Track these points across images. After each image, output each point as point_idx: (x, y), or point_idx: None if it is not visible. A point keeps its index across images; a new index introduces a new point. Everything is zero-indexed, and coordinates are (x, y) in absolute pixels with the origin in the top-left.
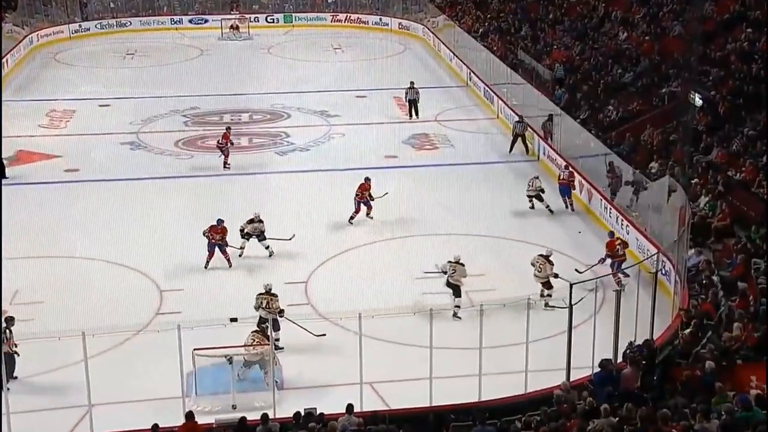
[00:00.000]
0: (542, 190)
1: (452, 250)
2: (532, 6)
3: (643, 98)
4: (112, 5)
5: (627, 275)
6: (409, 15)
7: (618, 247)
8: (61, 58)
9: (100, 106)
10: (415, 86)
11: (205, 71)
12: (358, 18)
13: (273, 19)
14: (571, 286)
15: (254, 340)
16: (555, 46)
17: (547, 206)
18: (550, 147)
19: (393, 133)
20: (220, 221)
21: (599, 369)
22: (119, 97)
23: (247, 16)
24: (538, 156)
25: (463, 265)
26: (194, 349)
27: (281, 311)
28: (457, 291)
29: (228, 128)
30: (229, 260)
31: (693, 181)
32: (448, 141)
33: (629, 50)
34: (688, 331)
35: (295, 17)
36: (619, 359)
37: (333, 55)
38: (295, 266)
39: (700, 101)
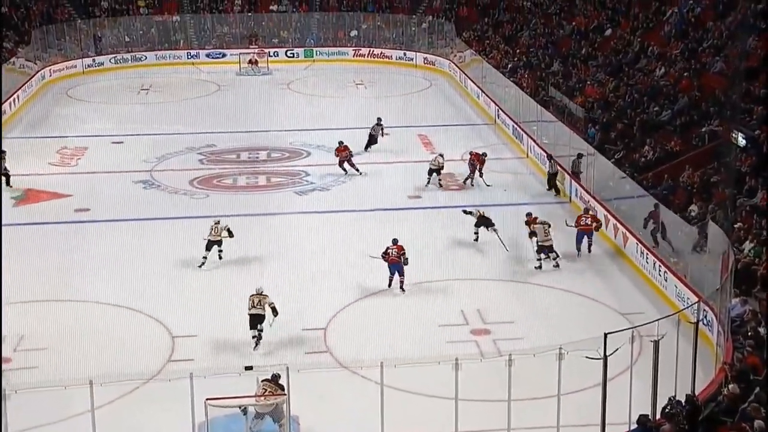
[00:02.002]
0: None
1: (478, 295)
2: (564, 41)
3: (682, 137)
4: (127, 39)
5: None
6: (434, 49)
7: (585, 218)
8: (74, 94)
9: (113, 143)
10: (381, 123)
11: (222, 107)
12: (381, 53)
13: (293, 54)
14: (605, 336)
15: (266, 390)
16: (588, 83)
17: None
18: (582, 188)
19: (417, 172)
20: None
21: (637, 426)
22: (133, 134)
23: (267, 50)
24: (570, 197)
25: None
26: (207, 399)
27: (274, 309)
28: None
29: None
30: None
31: (736, 226)
32: (475, 181)
33: (667, 87)
34: (732, 386)
35: (316, 52)
36: (658, 415)
37: (355, 91)
38: (313, 312)
39: (743, 141)
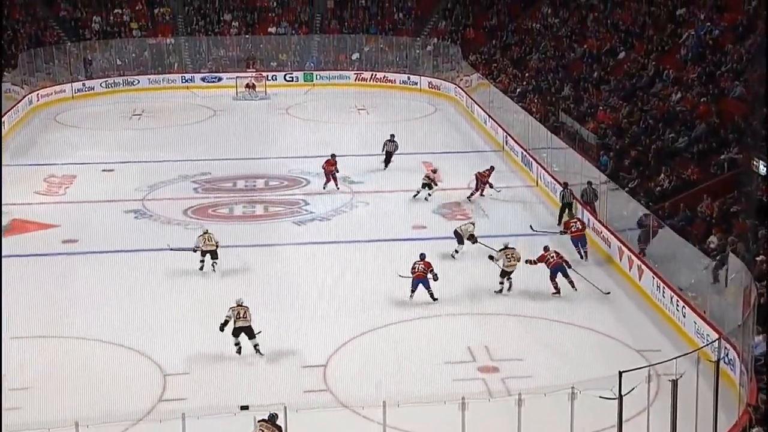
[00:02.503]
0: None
1: (486, 331)
2: (575, 64)
3: (700, 165)
4: (118, 62)
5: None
6: (440, 73)
7: (574, 223)
8: (63, 119)
9: (103, 170)
10: (394, 139)
11: (217, 133)
12: (384, 77)
13: (292, 78)
14: (620, 374)
15: (262, 431)
16: (600, 108)
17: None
18: (595, 218)
19: (422, 202)
20: None
21: None
22: (124, 161)
23: (265, 74)
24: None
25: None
26: None
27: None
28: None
29: (333, 155)
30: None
31: (758, 258)
32: (482, 210)
33: (683, 113)
34: (757, 429)
35: (316, 76)
36: None
37: (357, 116)
38: (312, 348)
39: (765, 169)
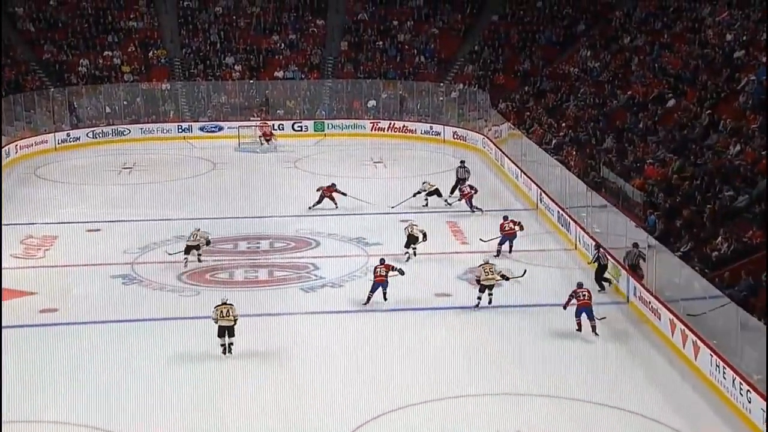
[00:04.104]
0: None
1: (518, 413)
2: (618, 113)
3: (763, 227)
4: (108, 110)
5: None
6: (465, 122)
7: (509, 224)
8: (44, 173)
9: (88, 231)
10: (465, 165)
11: (217, 189)
12: (404, 126)
13: (301, 127)
14: None
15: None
16: (647, 162)
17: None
18: (642, 286)
19: (446, 266)
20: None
21: None
22: (112, 220)
23: (270, 122)
24: (628, 297)
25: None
26: None
27: (236, 319)
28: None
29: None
30: None
31: None
32: (513, 276)
33: (743, 167)
34: None
35: (328, 125)
36: None
37: (373, 170)
38: None
39: None
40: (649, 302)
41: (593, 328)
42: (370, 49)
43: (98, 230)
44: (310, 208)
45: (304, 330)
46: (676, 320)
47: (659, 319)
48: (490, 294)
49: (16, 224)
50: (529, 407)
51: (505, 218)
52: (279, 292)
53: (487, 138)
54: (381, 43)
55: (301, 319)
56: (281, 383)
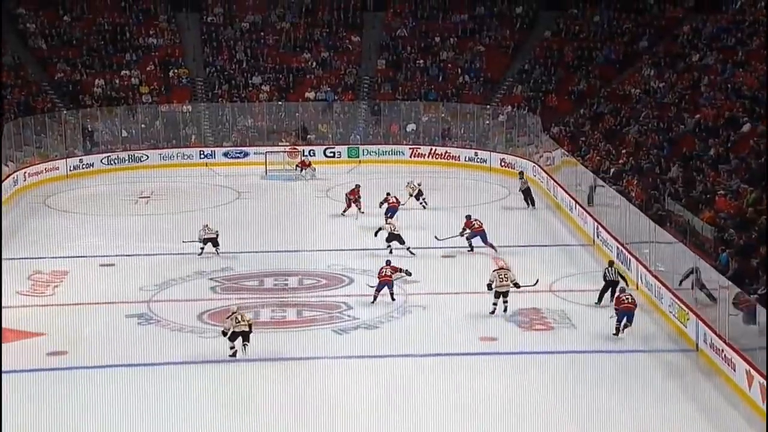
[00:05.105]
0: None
1: None
2: (686, 138)
3: None
4: (124, 134)
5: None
6: (514, 149)
7: (474, 222)
8: (54, 203)
9: (102, 265)
10: (524, 176)
11: (242, 220)
12: (446, 152)
13: (333, 153)
14: None
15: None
16: (719, 193)
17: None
18: (714, 332)
19: (491, 308)
20: None
21: None
22: (127, 254)
23: (300, 148)
24: (697, 344)
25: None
26: None
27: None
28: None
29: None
30: None
31: None
32: (568, 319)
33: None
34: None
35: (363, 151)
36: None
37: (412, 200)
38: None
39: None
40: (722, 350)
41: (622, 329)
42: (409, 68)
43: (112, 265)
44: (343, 213)
45: (335, 376)
46: (753, 372)
47: (734, 370)
48: (505, 302)
49: (24, 258)
50: None
51: (468, 217)
52: (308, 333)
53: (538, 166)
54: (422, 61)
55: (332, 364)
56: None
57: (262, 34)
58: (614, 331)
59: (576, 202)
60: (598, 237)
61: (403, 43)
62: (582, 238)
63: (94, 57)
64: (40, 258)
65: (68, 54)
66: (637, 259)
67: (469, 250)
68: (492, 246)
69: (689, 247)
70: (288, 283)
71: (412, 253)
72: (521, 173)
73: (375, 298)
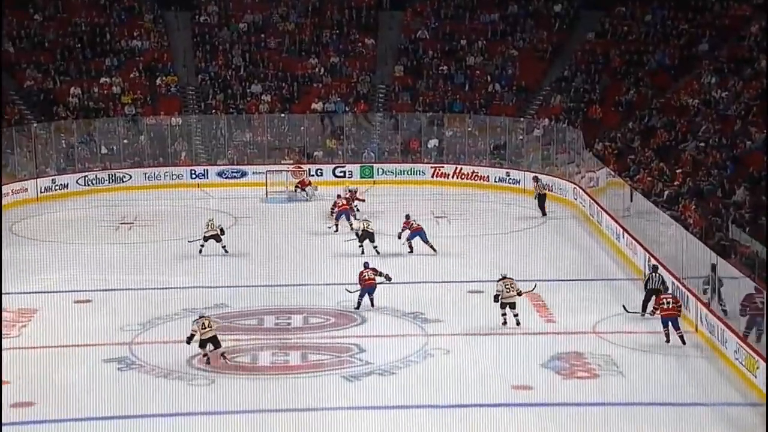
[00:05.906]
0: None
1: None
2: (753, 156)
3: None
4: (103, 150)
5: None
6: (552, 168)
7: (412, 222)
8: (22, 230)
9: (76, 302)
10: (539, 181)
11: (238, 249)
12: (473, 172)
13: (344, 172)
14: None
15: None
16: None
17: None
18: None
19: (526, 351)
20: None
21: None
22: (106, 289)
23: (306, 167)
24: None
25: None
26: None
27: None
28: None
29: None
30: None
31: None
32: (615, 365)
33: None
34: None
35: (378, 169)
36: None
37: (434, 225)
38: None
39: None
40: None
41: (681, 338)
42: (431, 75)
43: (89, 301)
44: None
45: (345, 430)
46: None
47: None
48: (515, 314)
49: None
50: None
51: (407, 217)
52: (315, 380)
53: (580, 188)
54: (445, 67)
55: (341, 416)
56: None
57: (262, 36)
58: (665, 339)
59: (623, 229)
60: (650, 269)
61: (424, 46)
62: (630, 270)
63: (69, 62)
64: (5, 294)
65: (39, 59)
66: (695, 296)
67: (409, 252)
68: (432, 246)
69: (757, 282)
70: (291, 323)
71: (377, 252)
72: (536, 177)
73: (359, 304)
